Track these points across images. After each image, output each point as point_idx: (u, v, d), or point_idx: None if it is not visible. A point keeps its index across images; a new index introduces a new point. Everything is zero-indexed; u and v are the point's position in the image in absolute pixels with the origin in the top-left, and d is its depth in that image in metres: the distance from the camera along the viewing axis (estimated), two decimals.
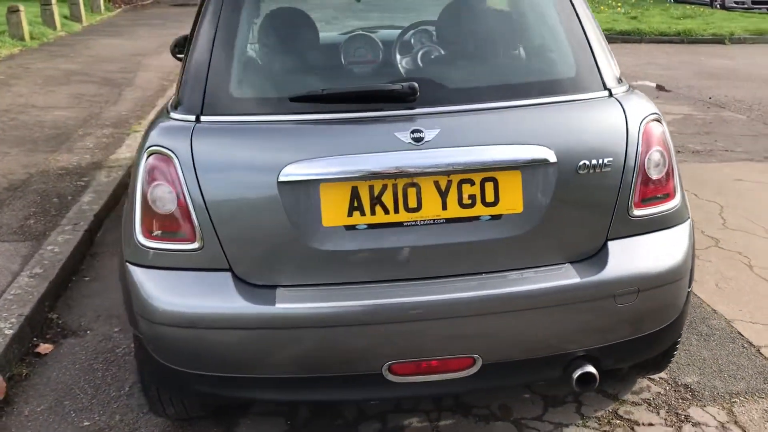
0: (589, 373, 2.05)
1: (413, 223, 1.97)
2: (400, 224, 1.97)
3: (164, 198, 1.98)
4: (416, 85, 1.95)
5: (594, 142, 2.05)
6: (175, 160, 1.97)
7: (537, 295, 1.99)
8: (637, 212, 2.09)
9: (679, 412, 2.53)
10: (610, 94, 2.15)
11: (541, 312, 2.01)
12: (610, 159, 2.04)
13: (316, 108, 2.01)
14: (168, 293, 2.00)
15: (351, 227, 1.96)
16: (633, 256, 2.07)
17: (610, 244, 2.07)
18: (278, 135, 2.01)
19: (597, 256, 2.07)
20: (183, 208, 1.97)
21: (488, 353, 2.01)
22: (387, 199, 1.96)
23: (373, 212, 1.95)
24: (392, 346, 1.97)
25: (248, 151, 2.00)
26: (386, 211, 1.96)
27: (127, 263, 2.05)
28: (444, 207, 1.98)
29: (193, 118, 2.03)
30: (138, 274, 2.03)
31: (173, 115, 2.10)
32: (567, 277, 2.02)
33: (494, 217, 2.00)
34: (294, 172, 1.92)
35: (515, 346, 2.06)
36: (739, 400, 2.61)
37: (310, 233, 1.96)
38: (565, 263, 2.07)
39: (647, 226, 2.11)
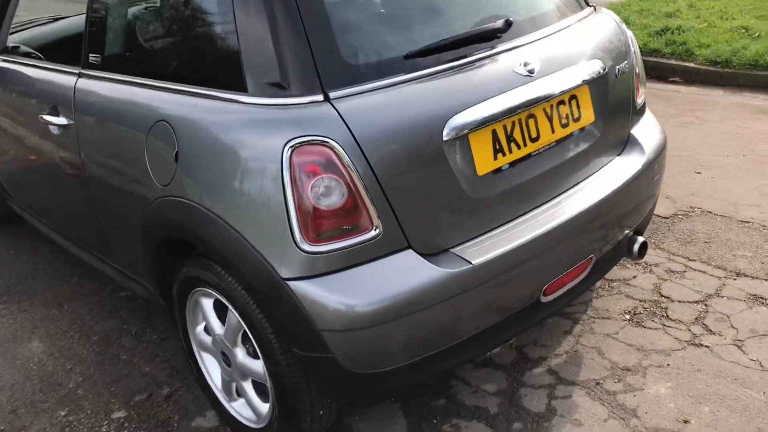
0: (645, 242, 2.45)
1: (537, 152, 2.14)
2: (528, 156, 2.11)
3: (330, 191, 1.81)
4: (511, 18, 2.07)
5: (617, 50, 2.41)
6: (334, 144, 1.79)
7: (630, 182, 2.32)
8: (639, 101, 2.55)
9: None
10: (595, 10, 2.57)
11: (629, 197, 2.36)
12: (627, 63, 2.43)
13: (433, 61, 1.99)
14: (362, 293, 1.84)
15: (497, 170, 2.05)
16: (646, 136, 2.52)
17: (633, 131, 2.52)
18: (423, 94, 1.95)
19: (631, 143, 2.49)
20: (354, 196, 1.82)
21: (599, 250, 2.30)
22: (517, 134, 2.07)
23: (510, 150, 2.06)
24: (549, 269, 2.15)
25: (402, 118, 1.90)
26: (518, 146, 2.08)
27: (287, 282, 1.84)
28: (552, 131, 2.17)
29: (320, 97, 1.84)
30: (312, 288, 1.83)
31: (277, 100, 1.87)
32: (637, 162, 2.40)
33: (581, 130, 2.26)
34: (453, 125, 1.93)
35: (611, 236, 2.36)
36: None
37: (470, 186, 1.99)
38: (618, 154, 2.46)
39: (642, 112, 2.60)
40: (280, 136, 1.82)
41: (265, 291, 1.90)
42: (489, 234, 2.07)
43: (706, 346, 2.66)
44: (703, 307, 2.90)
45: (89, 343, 3.03)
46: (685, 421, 2.31)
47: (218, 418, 2.51)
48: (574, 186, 2.29)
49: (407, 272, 1.90)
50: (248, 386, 2.24)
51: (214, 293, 2.15)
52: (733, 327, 2.75)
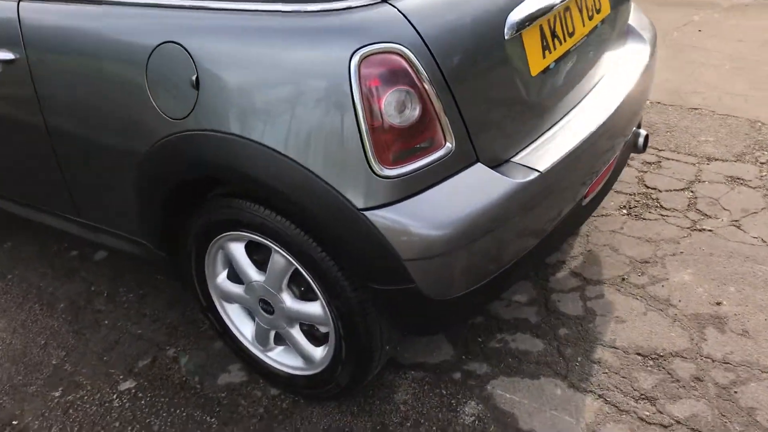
0: (647, 135, 2.40)
1: (573, 47, 2.04)
2: (567, 52, 2.01)
3: (404, 105, 1.62)
4: None
5: None
6: (404, 50, 1.60)
7: (643, 72, 2.28)
8: None
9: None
10: None
11: (643, 88, 2.30)
12: None
13: None
14: (446, 216, 1.67)
15: (546, 69, 1.93)
16: (641, 26, 2.52)
17: (629, 22, 2.48)
18: None
19: (632, 34, 2.47)
20: (428, 108, 1.65)
21: (620, 146, 2.23)
22: (558, 29, 1.98)
23: (554, 47, 1.96)
24: (592, 169, 2.08)
25: (465, 17, 1.74)
26: (560, 42, 1.98)
27: (364, 213, 1.64)
28: (583, 24, 2.09)
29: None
30: (392, 216, 1.64)
31: (328, 5, 1.64)
32: (644, 52, 2.37)
33: (602, 23, 2.20)
34: (512, 22, 1.79)
35: (629, 130, 2.28)
36: None
37: (525, 88, 1.87)
38: (624, 45, 2.42)
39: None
40: (344, 45, 1.58)
41: (337, 226, 1.69)
42: (542, 138, 1.96)
43: (709, 230, 2.73)
44: (691, 194, 2.97)
45: (56, 313, 2.66)
46: (718, 303, 2.37)
47: (246, 371, 2.29)
48: (601, 81, 2.22)
49: (483, 187, 1.75)
50: (296, 332, 2.04)
51: (253, 236, 1.90)
52: (725, 209, 2.84)
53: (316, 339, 2.07)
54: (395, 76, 1.61)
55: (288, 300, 1.96)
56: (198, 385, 2.27)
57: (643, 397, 2.05)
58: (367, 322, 1.85)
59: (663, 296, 2.42)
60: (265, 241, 1.87)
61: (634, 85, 2.21)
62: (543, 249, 2.03)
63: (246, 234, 1.92)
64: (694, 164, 3.18)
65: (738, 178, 3.04)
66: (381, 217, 1.65)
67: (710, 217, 2.80)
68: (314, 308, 1.93)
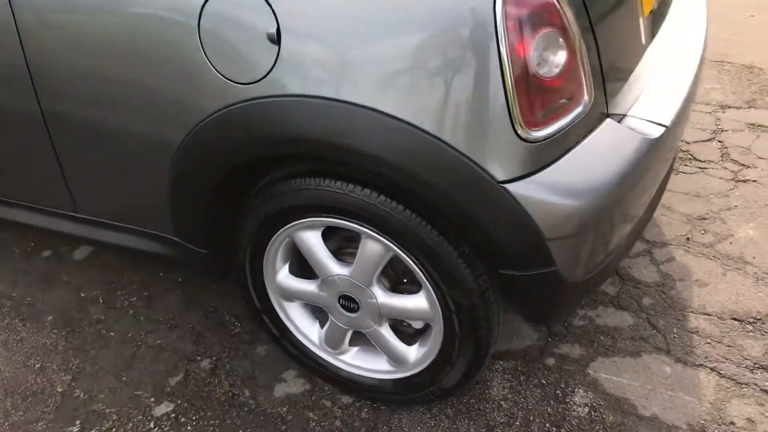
0: None
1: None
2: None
3: (551, 51, 1.36)
4: None
5: None
6: None
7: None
8: None
9: None
10: None
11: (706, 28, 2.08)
12: None
13: None
14: (593, 183, 1.42)
15: (652, 9, 1.77)
16: None
17: None
18: None
19: None
20: (574, 54, 1.38)
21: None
22: None
23: None
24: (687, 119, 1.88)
25: None
26: None
27: (504, 186, 1.36)
28: None
29: None
30: (536, 187, 1.38)
31: None
32: None
33: None
34: None
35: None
36: None
37: (641, 29, 1.69)
38: None
39: None
40: None
41: (469, 203, 1.40)
42: (648, 87, 1.73)
43: (753, 181, 2.61)
44: (719, 143, 2.84)
45: (44, 328, 2.21)
46: None
47: (306, 378, 1.96)
48: (677, 25, 2.01)
49: (621, 147, 1.50)
50: (386, 330, 1.73)
51: (340, 222, 1.57)
52: (760, 158, 2.73)
53: (408, 337, 1.77)
54: (544, 16, 1.33)
55: (381, 294, 1.65)
56: (251, 400, 1.92)
57: (757, 366, 1.89)
58: (489, 314, 1.58)
59: (735, 254, 2.27)
60: (358, 226, 1.55)
61: (704, 30, 2.01)
62: (650, 215, 1.82)
63: (328, 219, 1.59)
64: (710, 113, 3.06)
65: (759, 125, 2.94)
66: (524, 190, 1.37)
67: (748, 167, 2.68)
68: (416, 302, 1.63)
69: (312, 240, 1.66)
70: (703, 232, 2.37)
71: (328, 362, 1.86)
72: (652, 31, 1.78)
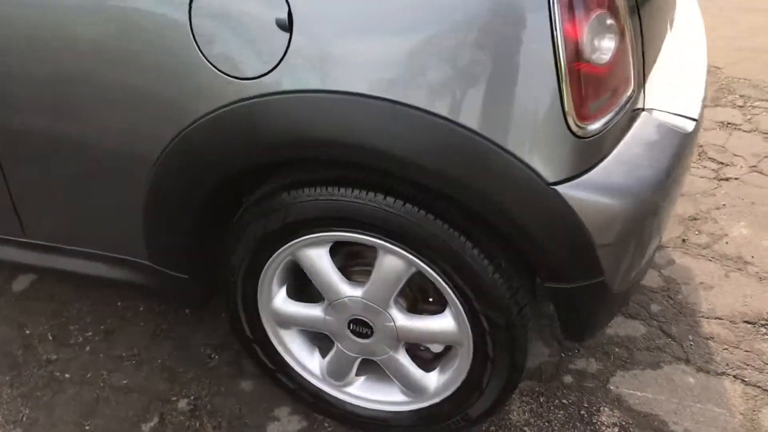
0: None
1: None
2: None
3: (604, 36, 1.20)
4: None
5: None
6: None
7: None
8: None
9: None
10: None
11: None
12: None
13: None
14: (640, 182, 1.28)
15: None
16: None
17: None
18: None
19: None
20: (626, 39, 1.24)
21: None
22: None
23: None
24: None
25: None
26: None
27: (555, 188, 1.20)
28: None
29: None
30: (587, 188, 1.22)
31: None
32: None
33: None
34: None
35: None
36: None
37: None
38: None
39: None
40: None
41: (515, 209, 1.23)
42: (664, 79, 1.61)
43: (735, 178, 2.56)
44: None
45: None
46: None
47: (302, 414, 1.74)
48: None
49: (662, 143, 1.38)
50: (402, 356, 1.53)
51: (353, 236, 1.37)
52: (736, 155, 2.69)
53: (420, 362, 1.58)
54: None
55: (399, 317, 1.46)
56: None
57: None
58: (527, 333, 1.41)
59: (734, 254, 2.19)
60: (376, 239, 1.36)
61: (701, 22, 1.93)
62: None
63: (339, 234, 1.39)
64: None
65: (729, 123, 2.91)
66: (575, 192, 1.22)
67: (728, 165, 2.63)
68: (442, 323, 1.44)
69: (318, 258, 1.45)
70: (697, 232, 2.29)
71: (331, 396, 1.65)
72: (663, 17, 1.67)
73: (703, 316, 1.98)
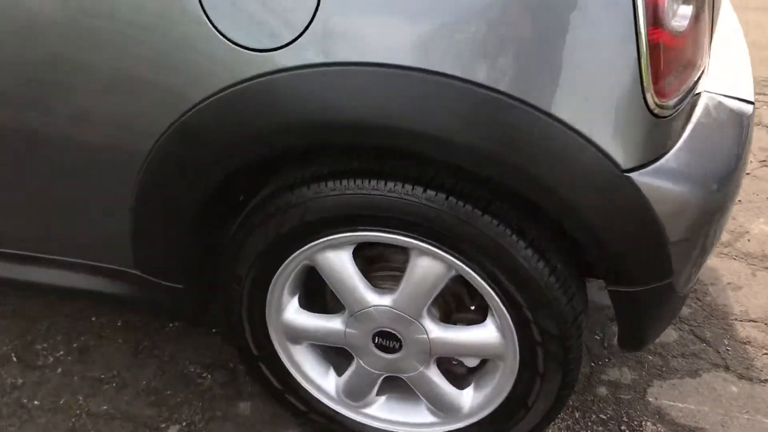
0: None
1: None
2: None
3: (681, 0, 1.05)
4: None
5: None
6: None
7: None
8: None
9: None
10: None
11: None
12: None
13: None
14: (713, 168, 1.15)
15: None
16: None
17: None
18: None
19: None
20: (701, 8, 1.09)
21: None
22: None
23: None
24: None
25: None
26: None
27: (629, 176, 1.04)
28: None
29: None
30: (661, 175, 1.06)
31: None
32: None
33: None
34: None
35: None
36: None
37: None
38: None
39: None
40: None
41: (582, 199, 1.06)
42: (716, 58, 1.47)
43: (747, 173, 2.43)
44: None
45: None
46: None
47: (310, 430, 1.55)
48: None
49: (727, 127, 1.24)
50: (434, 373, 1.35)
51: (384, 236, 1.18)
52: None
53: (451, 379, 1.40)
54: None
55: (434, 328, 1.28)
56: None
57: None
58: (582, 345, 1.24)
59: (758, 252, 2.07)
60: (410, 239, 1.17)
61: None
62: None
63: (366, 234, 1.20)
64: None
65: None
66: (650, 180, 1.06)
67: None
68: (484, 335, 1.26)
69: (340, 262, 1.26)
70: None
71: (348, 418, 1.46)
72: None
73: (736, 319, 1.84)
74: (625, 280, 1.15)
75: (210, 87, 1.09)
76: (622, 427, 1.55)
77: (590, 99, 1.01)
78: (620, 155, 1.03)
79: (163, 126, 1.14)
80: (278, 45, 1.04)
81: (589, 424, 1.56)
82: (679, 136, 1.12)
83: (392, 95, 1.03)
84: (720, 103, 1.25)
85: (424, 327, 1.27)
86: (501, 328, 1.23)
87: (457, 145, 1.03)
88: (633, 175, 1.05)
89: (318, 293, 1.42)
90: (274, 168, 1.26)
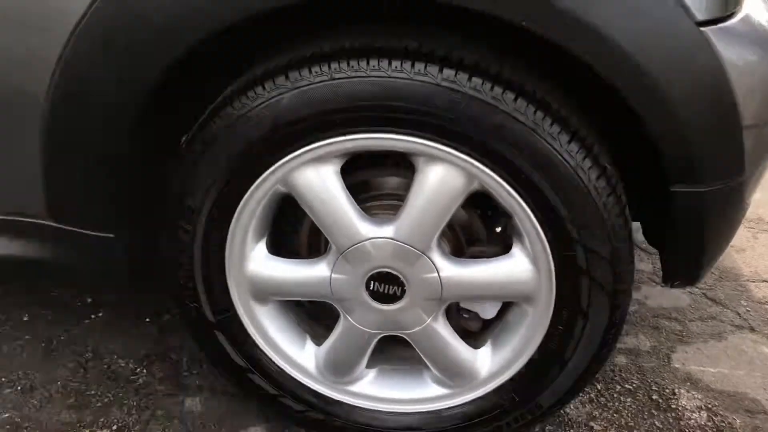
0: None
1: None
2: None
3: None
4: None
5: None
6: None
7: None
8: None
9: None
10: None
11: None
12: None
13: None
14: None
15: None
16: None
17: None
18: None
19: None
20: None
21: None
22: None
23: None
24: None
25: None
26: None
27: (703, 31, 0.84)
28: None
29: None
30: (736, 37, 0.87)
31: None
32: None
33: None
34: None
35: None
36: None
37: None
38: None
39: None
40: None
41: (646, 59, 0.83)
42: None
43: None
44: None
45: None
46: None
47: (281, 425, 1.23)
48: None
49: None
50: (443, 327, 1.06)
51: (386, 140, 0.92)
52: None
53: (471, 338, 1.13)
54: None
55: (445, 264, 1.00)
56: None
57: None
58: (633, 270, 1.00)
59: (754, 216, 1.94)
60: (422, 141, 0.91)
61: None
62: None
63: (362, 138, 0.93)
64: None
65: None
66: (727, 40, 0.85)
67: None
68: (510, 268, 1.00)
69: (326, 182, 0.97)
70: None
71: (332, 400, 1.15)
72: None
73: (748, 280, 1.65)
74: (695, 174, 0.91)
75: None
76: (654, 396, 1.31)
77: None
78: (695, 2, 0.81)
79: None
80: None
81: (615, 395, 1.31)
82: None
83: None
84: None
85: (433, 263, 0.99)
86: (533, 257, 0.97)
87: None
88: (707, 30, 0.83)
89: (284, 238, 1.12)
90: (234, 57, 0.98)
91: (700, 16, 0.82)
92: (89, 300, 1.55)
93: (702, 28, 0.82)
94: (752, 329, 1.49)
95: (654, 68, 0.83)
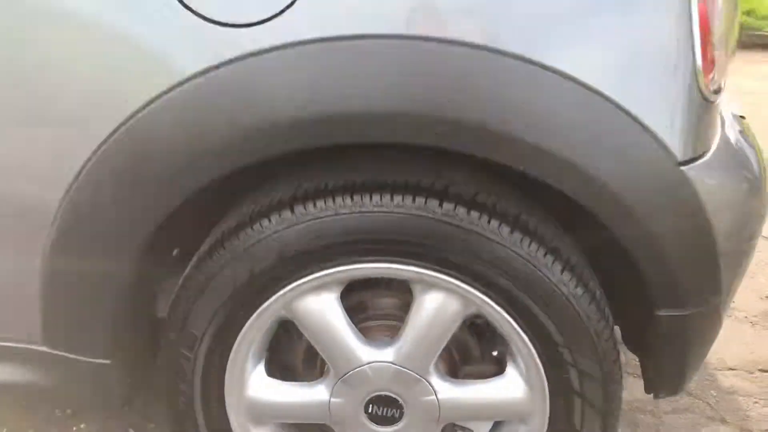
0: None
1: None
2: None
3: None
4: None
5: None
6: None
7: None
8: None
9: None
10: None
11: None
12: None
13: None
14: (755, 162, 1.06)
15: None
16: None
17: None
18: None
19: None
20: None
21: None
22: None
23: None
24: None
25: None
26: None
27: (683, 169, 0.89)
28: None
29: None
30: (711, 173, 0.93)
31: None
32: None
33: None
34: None
35: None
36: None
37: None
38: None
39: None
40: None
41: (632, 197, 0.89)
42: None
43: None
44: None
45: None
46: None
47: None
48: None
49: (737, 126, 1.15)
50: None
51: (383, 269, 0.96)
52: None
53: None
54: None
55: (443, 386, 1.03)
56: None
57: None
58: (621, 388, 1.04)
59: None
60: (420, 270, 0.95)
61: None
62: None
63: (363, 267, 0.96)
64: None
65: None
66: (705, 177, 0.92)
67: None
68: (505, 389, 1.03)
69: (326, 309, 1.00)
70: None
71: None
72: None
73: (715, 369, 1.71)
74: (678, 300, 0.97)
75: (165, 80, 0.85)
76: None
77: (645, 80, 0.87)
78: (676, 145, 0.88)
79: (105, 133, 0.88)
80: (261, 19, 0.82)
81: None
82: (717, 133, 0.99)
83: (408, 79, 0.83)
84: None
85: (431, 385, 1.02)
86: (527, 377, 1.01)
87: (487, 129, 0.85)
88: (686, 169, 0.89)
89: (281, 356, 1.13)
90: (236, 191, 1.01)
91: (680, 157, 0.88)
92: (69, 411, 1.52)
93: (681, 167, 0.89)
94: (724, 420, 1.55)
95: (646, 213, 0.89)
